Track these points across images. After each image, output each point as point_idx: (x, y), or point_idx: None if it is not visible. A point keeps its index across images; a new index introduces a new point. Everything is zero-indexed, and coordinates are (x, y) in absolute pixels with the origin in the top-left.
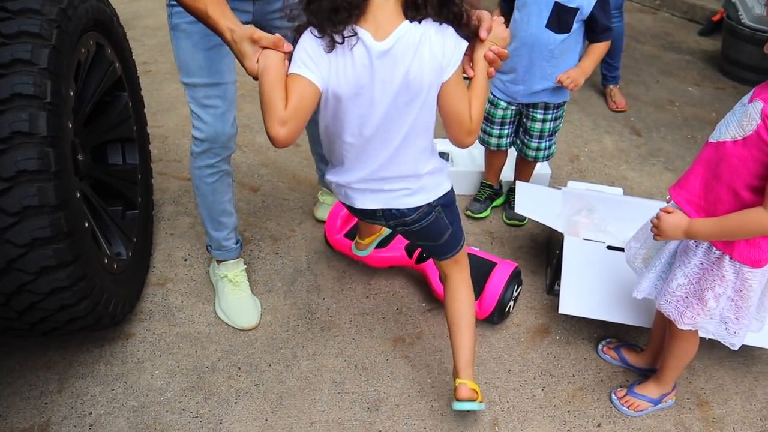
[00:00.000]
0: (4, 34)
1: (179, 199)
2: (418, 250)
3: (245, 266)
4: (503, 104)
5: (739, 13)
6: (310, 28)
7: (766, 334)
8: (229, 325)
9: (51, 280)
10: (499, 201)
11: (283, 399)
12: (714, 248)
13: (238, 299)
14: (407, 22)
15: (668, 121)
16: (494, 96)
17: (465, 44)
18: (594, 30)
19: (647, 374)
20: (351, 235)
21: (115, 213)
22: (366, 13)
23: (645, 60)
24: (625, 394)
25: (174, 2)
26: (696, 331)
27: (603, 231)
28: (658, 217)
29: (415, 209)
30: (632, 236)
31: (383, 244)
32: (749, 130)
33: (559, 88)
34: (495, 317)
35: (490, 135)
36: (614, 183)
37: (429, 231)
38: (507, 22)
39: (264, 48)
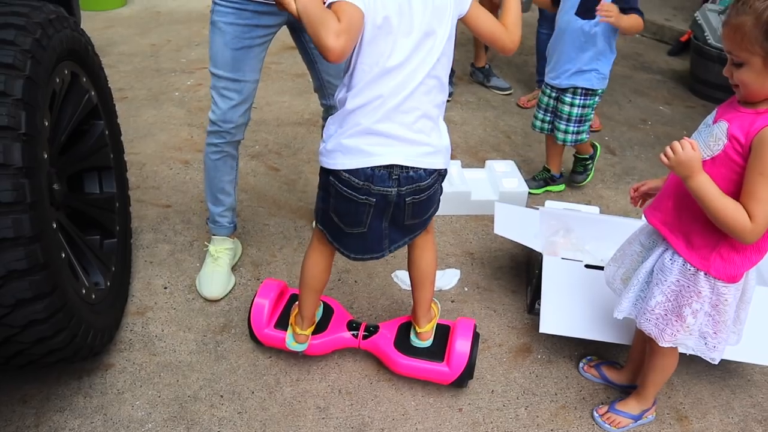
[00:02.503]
0: None
1: (158, 226)
2: (363, 325)
3: (233, 247)
4: (548, 91)
5: (706, 34)
6: None
7: (742, 348)
8: (200, 297)
9: (27, 312)
10: (556, 188)
11: (267, 426)
12: (689, 265)
13: (211, 271)
14: None
15: (641, 139)
16: (545, 84)
17: None
18: (623, 9)
19: (628, 391)
20: (284, 324)
21: (92, 242)
22: None
23: (617, 80)
24: (607, 411)
25: (217, 1)
26: (676, 347)
27: (581, 250)
28: (680, 144)
29: (432, 173)
30: (611, 257)
31: (319, 329)
32: (717, 150)
33: (585, 72)
34: (465, 381)
35: (536, 117)
36: (591, 202)
37: (429, 202)
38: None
39: None
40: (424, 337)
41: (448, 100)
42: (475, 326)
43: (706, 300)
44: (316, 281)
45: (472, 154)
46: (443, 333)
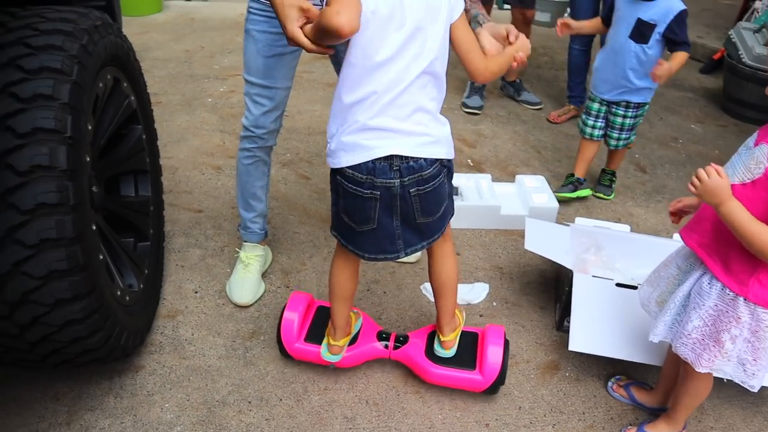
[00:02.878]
0: (27, 69)
1: (190, 231)
2: (393, 335)
3: (263, 254)
4: (598, 99)
5: (740, 52)
6: None
7: None
8: (230, 302)
9: (66, 312)
10: (584, 193)
11: None
12: (728, 290)
13: (242, 277)
14: None
15: (672, 157)
16: (592, 92)
17: None
18: (673, 42)
19: (657, 413)
20: (313, 336)
21: (127, 245)
22: None
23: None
24: None
25: (251, 8)
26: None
27: (611, 268)
28: (706, 171)
29: (433, 162)
30: (645, 279)
31: (353, 340)
32: (758, 173)
33: (639, 89)
34: (497, 388)
35: (586, 124)
36: (621, 219)
37: (436, 196)
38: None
39: (309, 18)
40: (447, 345)
41: (477, 113)
42: (505, 332)
43: (746, 326)
44: (343, 289)
45: (501, 168)
46: (472, 340)
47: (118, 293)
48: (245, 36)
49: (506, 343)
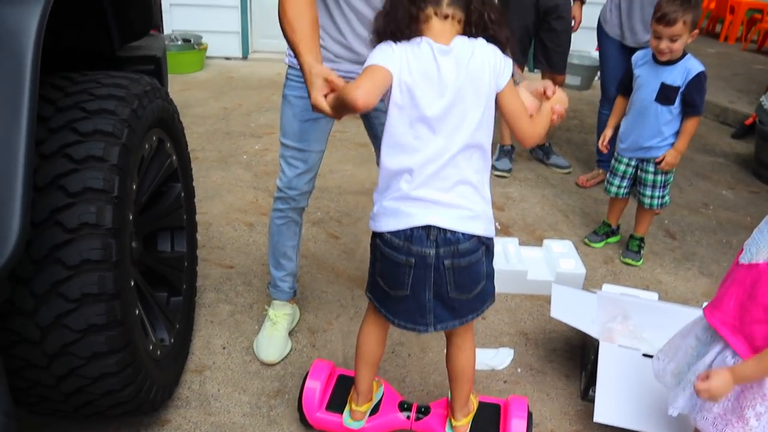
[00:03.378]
0: (81, 132)
1: (221, 286)
2: (414, 406)
3: (292, 312)
4: (625, 160)
5: None
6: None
7: None
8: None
9: (101, 365)
10: (614, 239)
11: None
12: None
13: (269, 335)
14: (459, 36)
15: (703, 224)
16: (619, 153)
17: (511, 60)
18: (686, 103)
19: None
20: (335, 405)
21: (160, 299)
22: (426, 35)
23: (679, 162)
24: None
25: (289, 75)
26: None
27: (638, 338)
28: (705, 385)
29: (470, 237)
30: (660, 349)
31: (374, 409)
32: None
33: (666, 146)
34: None
35: (611, 184)
36: (649, 287)
37: (471, 273)
38: (627, 101)
39: (333, 88)
40: (459, 431)
41: (505, 176)
42: (528, 405)
43: None
44: (370, 354)
45: (529, 232)
46: (495, 413)
47: (150, 347)
48: (282, 101)
49: (530, 416)
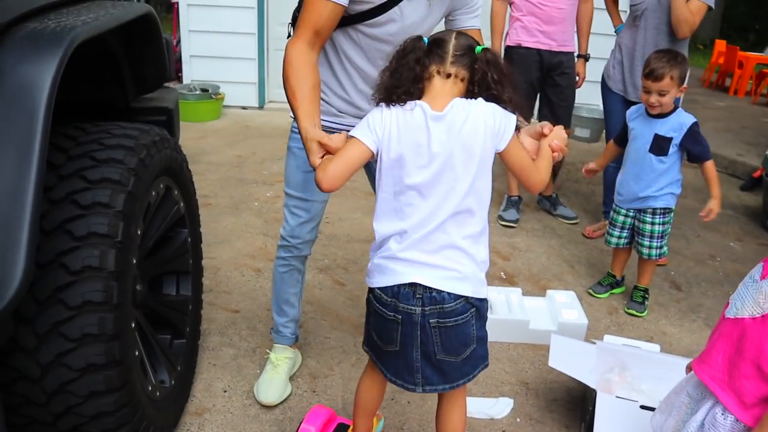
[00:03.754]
0: (90, 179)
1: (225, 330)
2: None
3: (293, 356)
4: (623, 211)
5: None
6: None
7: None
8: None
9: (98, 404)
10: (618, 290)
11: None
12: (742, 423)
13: (269, 378)
14: (458, 98)
15: (709, 276)
16: (617, 205)
17: (513, 117)
18: (693, 155)
19: None
20: None
21: (163, 341)
22: (426, 93)
23: (686, 213)
24: None
25: (293, 129)
26: None
27: (637, 389)
28: None
29: (457, 297)
30: (658, 407)
31: None
32: (767, 307)
33: (662, 196)
34: None
35: (612, 235)
36: (653, 338)
37: (458, 335)
38: (622, 153)
39: (326, 152)
40: None
41: (512, 226)
42: None
43: None
44: (367, 404)
45: (534, 282)
46: None
47: (150, 388)
48: (287, 152)
49: None
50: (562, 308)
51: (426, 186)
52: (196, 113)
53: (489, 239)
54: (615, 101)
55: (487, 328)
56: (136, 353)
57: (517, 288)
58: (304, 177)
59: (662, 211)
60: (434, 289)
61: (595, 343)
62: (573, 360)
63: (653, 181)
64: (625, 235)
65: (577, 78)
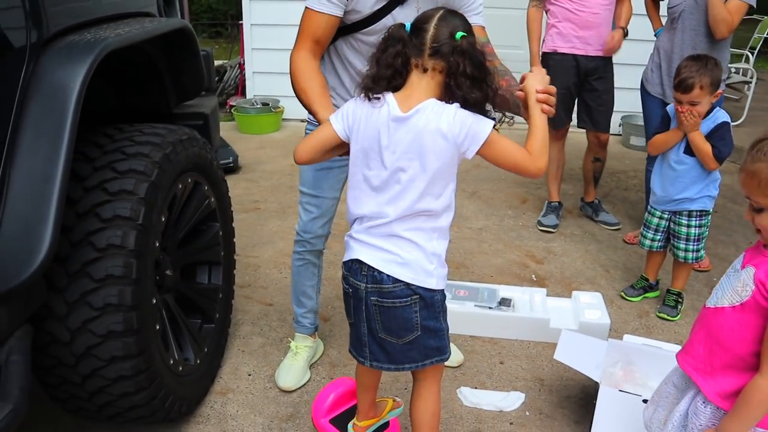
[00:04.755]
0: (118, 170)
1: (257, 321)
2: None
3: (313, 345)
4: (658, 213)
5: None
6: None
7: None
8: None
9: (117, 368)
10: (652, 294)
11: None
12: (722, 410)
13: (289, 364)
14: (435, 100)
15: None
16: (652, 206)
17: (487, 122)
18: (712, 150)
19: None
20: (338, 421)
21: (193, 324)
22: (404, 87)
23: (740, 221)
24: None
25: (306, 130)
26: None
27: (644, 385)
28: None
29: (395, 281)
30: (649, 400)
31: (384, 426)
32: (745, 296)
33: (698, 198)
34: None
35: (645, 237)
36: (683, 341)
37: (396, 317)
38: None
39: None
40: None
41: (551, 231)
42: None
43: None
44: (362, 379)
45: (564, 285)
46: None
47: (171, 361)
48: None
49: None
50: (585, 308)
51: (381, 183)
52: (257, 126)
53: (525, 243)
54: (654, 105)
55: (508, 325)
56: (157, 327)
57: (542, 289)
58: (315, 174)
59: (698, 213)
60: (375, 269)
61: (608, 341)
62: (581, 354)
63: (690, 183)
64: (659, 237)
65: (614, 78)
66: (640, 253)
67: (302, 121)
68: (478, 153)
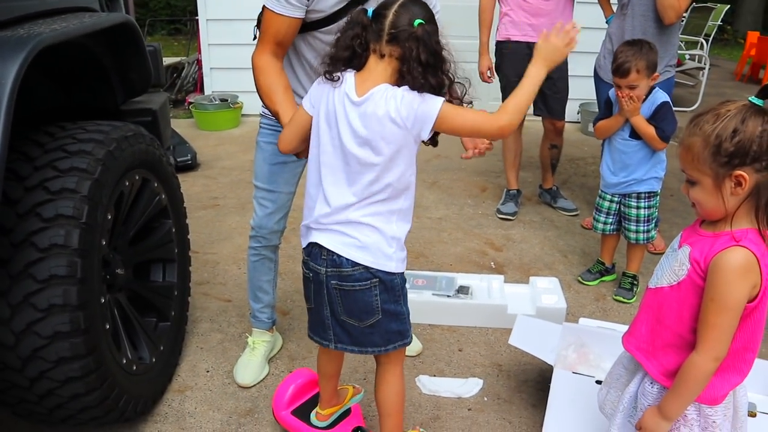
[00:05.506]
0: (60, 168)
1: (216, 318)
2: None
3: (271, 340)
4: (608, 197)
5: None
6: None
7: None
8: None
9: (66, 369)
10: (609, 278)
11: None
12: (668, 389)
13: (247, 360)
14: (387, 85)
15: None
16: (602, 190)
17: (437, 100)
18: (656, 130)
19: None
20: (300, 412)
21: (147, 323)
22: (363, 70)
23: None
24: None
25: (262, 124)
26: None
27: (597, 367)
28: (639, 426)
29: (354, 264)
30: (603, 382)
31: (337, 421)
32: (682, 275)
33: (644, 180)
34: None
35: (598, 221)
36: None
37: (357, 300)
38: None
39: None
40: None
41: (510, 219)
42: None
43: (695, 423)
44: (323, 368)
45: (523, 272)
46: None
47: (124, 361)
48: (256, 147)
49: None
50: (542, 294)
51: (334, 166)
52: (216, 122)
53: (484, 231)
54: (607, 91)
55: (466, 313)
56: (107, 326)
57: (500, 275)
58: (270, 169)
59: (647, 195)
60: (334, 252)
61: (562, 325)
62: (536, 339)
63: (636, 165)
64: (611, 220)
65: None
66: (598, 237)
67: (260, 115)
68: (434, 129)
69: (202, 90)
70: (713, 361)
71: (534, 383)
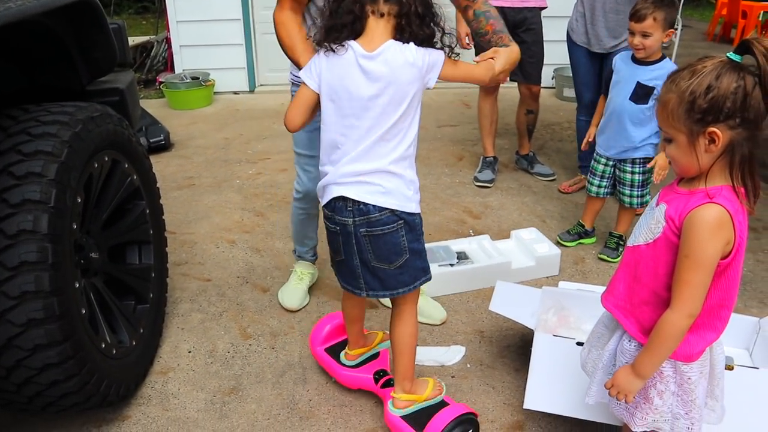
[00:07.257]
0: (24, 152)
1: (196, 297)
2: (387, 378)
3: (314, 272)
4: (603, 160)
5: None
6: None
7: (728, 427)
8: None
9: (43, 357)
10: (588, 241)
11: None
12: None
13: (294, 287)
14: (392, 40)
15: None
16: (597, 153)
17: (440, 53)
18: None
19: None
20: (332, 351)
21: (126, 306)
22: (364, 34)
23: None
24: None
25: (293, 92)
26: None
27: (578, 329)
28: (614, 390)
29: (381, 209)
30: (585, 341)
31: (364, 362)
32: (657, 232)
33: (641, 146)
34: None
35: (592, 184)
36: None
37: (386, 243)
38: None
39: None
40: (397, 404)
41: (488, 186)
42: (465, 414)
43: (670, 380)
44: (348, 313)
45: (502, 238)
46: (436, 408)
47: (103, 345)
48: None
49: (457, 423)
50: (533, 244)
51: (356, 118)
52: (188, 101)
53: (462, 200)
54: (580, 54)
55: (472, 277)
56: (83, 311)
57: (485, 235)
58: (309, 136)
59: (642, 160)
60: (360, 202)
61: (541, 288)
62: (515, 304)
63: (634, 130)
64: (605, 184)
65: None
66: (575, 201)
67: (292, 84)
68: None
69: (172, 69)
70: (687, 318)
71: (516, 348)
